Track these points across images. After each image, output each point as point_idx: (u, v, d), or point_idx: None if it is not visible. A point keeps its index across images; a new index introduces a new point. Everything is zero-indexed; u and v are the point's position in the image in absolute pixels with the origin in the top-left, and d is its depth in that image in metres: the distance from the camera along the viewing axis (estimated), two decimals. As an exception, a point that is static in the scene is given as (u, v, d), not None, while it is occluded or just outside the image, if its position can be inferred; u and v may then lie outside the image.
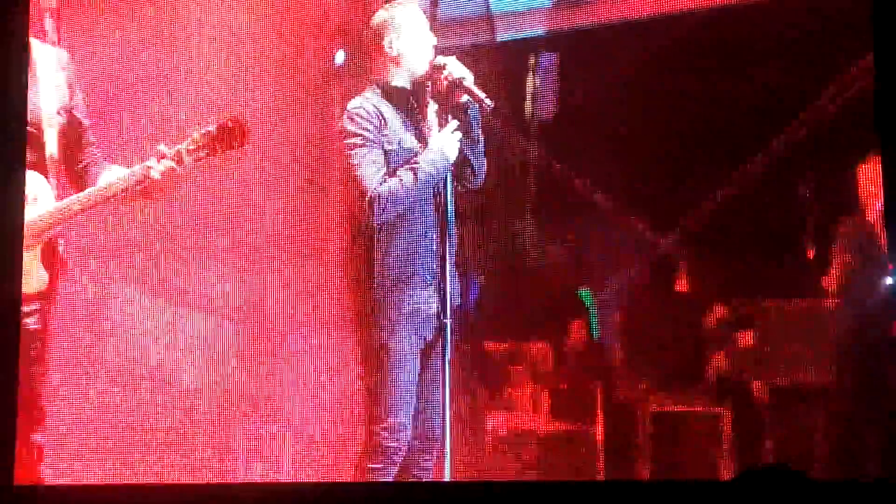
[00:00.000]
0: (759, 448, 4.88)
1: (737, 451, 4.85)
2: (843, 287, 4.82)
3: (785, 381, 4.90)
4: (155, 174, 3.52)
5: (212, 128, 3.60)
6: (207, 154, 3.58)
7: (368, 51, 4.01)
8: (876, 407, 4.73)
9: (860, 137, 4.87)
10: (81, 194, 3.58)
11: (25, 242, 3.48)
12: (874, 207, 4.80)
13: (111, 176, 3.63)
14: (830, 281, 4.88)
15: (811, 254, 5.00)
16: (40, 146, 3.57)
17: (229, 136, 3.58)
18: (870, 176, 4.82)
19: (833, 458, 4.79)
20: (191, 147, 3.56)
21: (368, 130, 3.86)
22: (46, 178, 3.58)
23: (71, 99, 3.66)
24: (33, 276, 3.52)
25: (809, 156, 4.92)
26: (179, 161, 3.56)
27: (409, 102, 3.95)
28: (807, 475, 3.66)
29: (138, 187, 3.56)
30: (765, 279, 4.88)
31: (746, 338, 4.97)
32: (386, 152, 3.87)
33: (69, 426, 3.81)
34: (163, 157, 3.55)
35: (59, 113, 3.60)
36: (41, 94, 3.59)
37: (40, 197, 3.54)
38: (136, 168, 3.58)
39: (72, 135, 3.65)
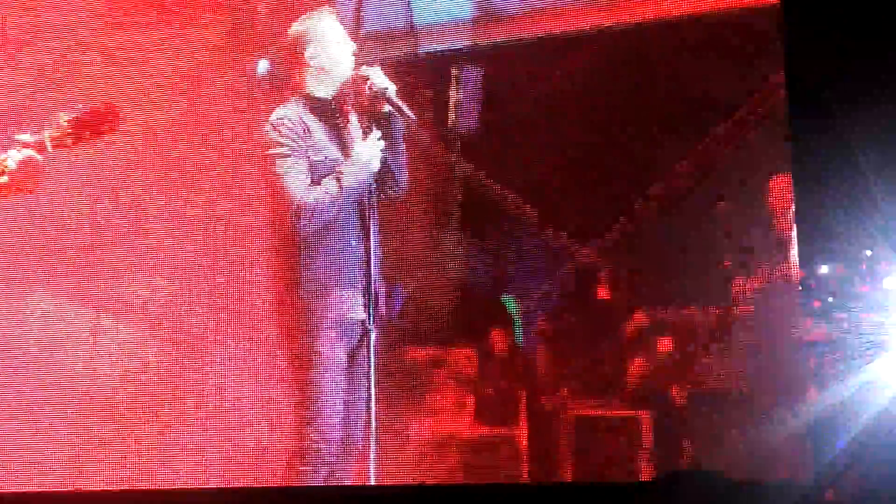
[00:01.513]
0: (677, 450, 5.01)
1: (656, 453, 4.97)
2: (756, 295, 4.98)
3: (701, 386, 5.03)
4: (11, 164, 3.35)
5: (79, 112, 3.42)
6: (74, 142, 3.41)
7: (289, 61, 4.07)
8: (787, 410, 4.88)
9: (773, 150, 5.04)
10: None
11: None
12: (786, 218, 4.96)
13: None
14: (744, 289, 5.03)
15: (727, 263, 5.15)
16: None
17: (99, 121, 3.42)
18: (782, 187, 4.99)
19: (746, 461, 4.93)
20: (55, 133, 3.39)
21: (293, 140, 3.92)
22: None
23: None
24: None
25: (725, 168, 5.07)
26: (41, 149, 3.36)
27: (331, 112, 4.02)
28: (724, 475, 3.78)
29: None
30: (682, 287, 5.02)
31: (665, 344, 5.10)
32: (310, 162, 3.94)
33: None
34: (24, 147, 3.38)
35: None
36: None
37: None
38: None
39: None
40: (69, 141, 3.39)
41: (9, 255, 3.88)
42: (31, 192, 3.45)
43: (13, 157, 3.35)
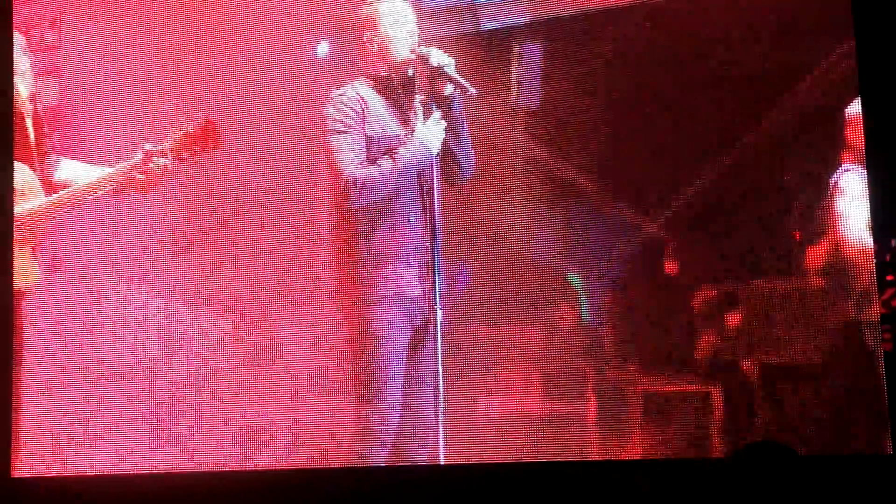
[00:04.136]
0: (749, 425, 4.95)
1: (727, 428, 4.92)
2: (828, 267, 4.89)
3: (773, 359, 4.96)
4: (155, 168, 3.51)
5: (190, 128, 3.60)
6: (190, 155, 3.59)
7: (354, 43, 4.08)
8: (862, 384, 4.80)
9: (844, 119, 4.93)
10: (72, 190, 3.55)
11: (20, 237, 3.47)
12: (858, 188, 4.87)
13: (80, 170, 3.60)
14: (816, 261, 4.95)
15: (798, 235, 5.06)
16: (24, 135, 3.55)
17: (205, 139, 3.59)
18: (854, 158, 4.89)
19: (821, 435, 4.86)
20: (174, 147, 3.57)
21: (349, 116, 3.95)
22: (32, 168, 3.56)
23: (35, 86, 3.63)
24: (28, 272, 3.51)
25: (794, 138, 4.98)
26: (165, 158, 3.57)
27: (395, 92, 4.02)
28: (797, 452, 3.73)
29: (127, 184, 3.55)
30: (752, 259, 4.95)
31: (735, 317, 5.03)
32: (369, 139, 3.95)
33: (60, 419, 3.85)
34: (152, 155, 3.56)
35: (29, 100, 3.58)
36: (18, 79, 3.57)
37: (29, 189, 3.51)
38: (123, 165, 3.57)
39: (39, 124, 3.62)
40: (185, 154, 3.53)
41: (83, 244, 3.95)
42: (142, 193, 3.63)
43: (157, 163, 3.50)
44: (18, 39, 3.64)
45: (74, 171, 3.62)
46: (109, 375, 4.00)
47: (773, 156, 4.94)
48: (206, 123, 3.59)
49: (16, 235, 3.46)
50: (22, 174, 3.51)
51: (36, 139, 3.58)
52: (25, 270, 3.51)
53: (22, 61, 3.59)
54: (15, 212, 3.48)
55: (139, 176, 3.52)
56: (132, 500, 3.32)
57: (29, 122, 3.57)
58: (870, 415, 4.76)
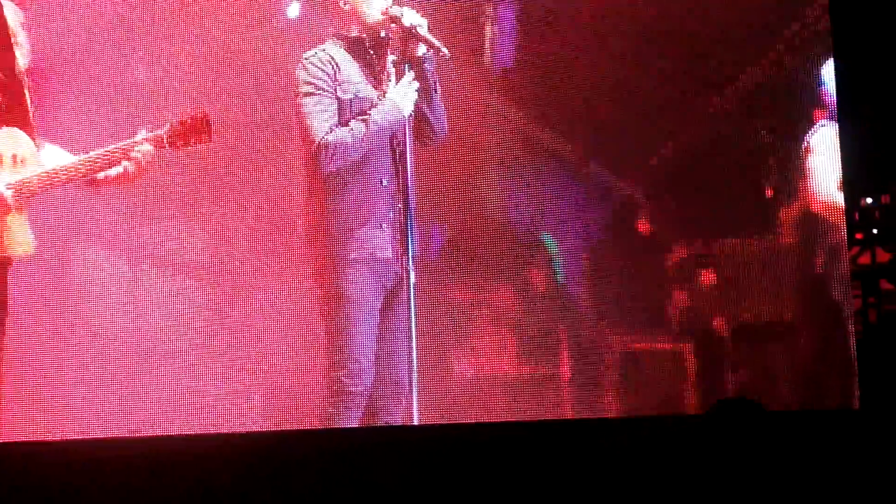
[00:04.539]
0: (722, 382, 5.01)
1: (700, 385, 4.97)
2: (800, 225, 4.93)
3: (745, 317, 5.01)
4: (139, 156, 3.47)
5: (186, 118, 3.57)
6: (183, 144, 3.57)
7: (323, 3, 4.06)
8: (832, 340, 4.85)
9: (817, 78, 4.95)
10: (70, 163, 3.50)
11: (16, 204, 3.43)
12: (829, 148, 4.89)
13: (60, 155, 3.58)
14: (788, 219, 4.99)
15: (770, 193, 5.09)
16: (24, 108, 3.51)
17: (198, 131, 3.56)
18: (825, 116, 4.91)
19: (792, 391, 4.93)
20: (169, 134, 3.54)
21: (320, 79, 3.91)
22: (32, 138, 3.53)
23: (31, 61, 3.61)
24: (23, 239, 3.48)
25: (768, 97, 5.00)
26: (160, 146, 3.55)
27: (367, 53, 4.00)
28: (766, 408, 3.78)
29: (119, 167, 3.52)
30: (725, 218, 4.98)
31: (707, 276, 5.07)
32: (341, 101, 3.93)
33: (35, 384, 3.86)
34: (148, 142, 3.51)
35: (27, 74, 3.57)
36: (18, 51, 3.54)
37: (28, 157, 3.48)
38: (113, 146, 3.53)
39: (32, 99, 3.59)
40: (180, 142, 3.51)
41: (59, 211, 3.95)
42: (131, 181, 3.57)
43: (140, 150, 3.47)
44: (17, 13, 3.62)
45: (55, 158, 3.59)
46: (82, 341, 4.00)
47: (746, 116, 4.96)
48: (201, 116, 3.56)
49: (12, 203, 3.43)
50: (23, 142, 3.48)
51: (32, 114, 3.55)
52: (21, 239, 3.47)
53: (20, 34, 3.58)
54: (14, 178, 3.44)
55: (133, 155, 3.48)
56: (106, 465, 3.34)
57: (27, 95, 3.54)
58: (839, 370, 4.82)
